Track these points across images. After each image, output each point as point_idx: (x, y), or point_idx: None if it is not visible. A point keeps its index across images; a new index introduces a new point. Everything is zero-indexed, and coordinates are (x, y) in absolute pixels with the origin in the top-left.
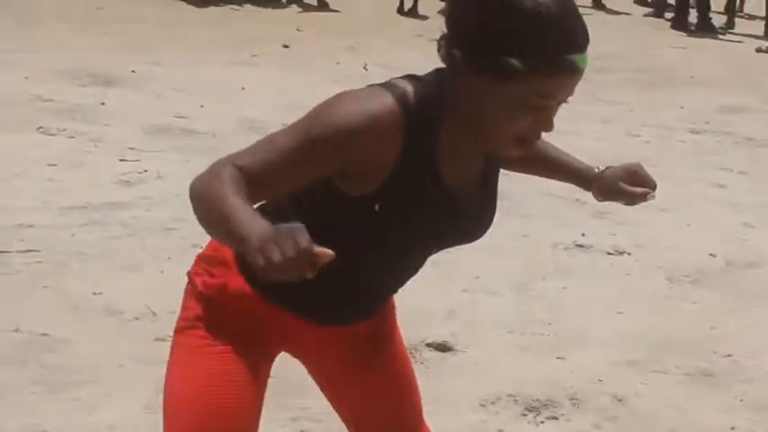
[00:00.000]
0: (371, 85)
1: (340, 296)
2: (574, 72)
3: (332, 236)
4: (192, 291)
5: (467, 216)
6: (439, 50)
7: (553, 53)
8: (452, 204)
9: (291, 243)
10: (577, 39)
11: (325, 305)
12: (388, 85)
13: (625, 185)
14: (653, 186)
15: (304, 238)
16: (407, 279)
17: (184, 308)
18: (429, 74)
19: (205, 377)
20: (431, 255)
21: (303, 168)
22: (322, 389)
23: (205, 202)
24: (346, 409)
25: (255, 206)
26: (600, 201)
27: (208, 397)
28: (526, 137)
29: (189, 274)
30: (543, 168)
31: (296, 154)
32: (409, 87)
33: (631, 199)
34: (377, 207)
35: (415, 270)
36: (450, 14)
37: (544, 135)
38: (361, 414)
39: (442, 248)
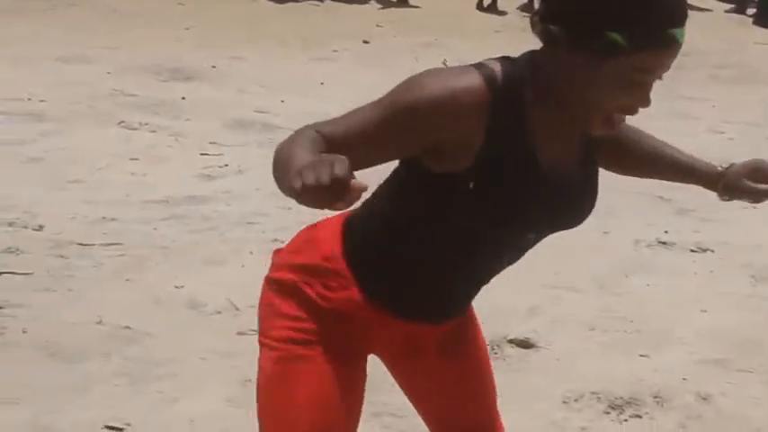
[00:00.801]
0: (461, 66)
1: (438, 289)
2: (675, 47)
3: (424, 220)
4: (295, 301)
5: (565, 201)
6: (533, 27)
7: (655, 28)
8: (549, 188)
9: (328, 170)
10: (678, 12)
11: (426, 300)
12: (477, 65)
13: (750, 183)
14: None
15: (341, 167)
16: (503, 268)
17: (278, 317)
18: (522, 54)
19: (321, 388)
20: (527, 244)
21: (386, 140)
22: (403, 386)
23: (278, 160)
24: (426, 405)
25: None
26: (725, 200)
27: (329, 408)
28: (619, 114)
29: (284, 281)
30: (663, 169)
31: (378, 125)
32: (498, 67)
33: (757, 196)
34: (471, 185)
35: (511, 260)
36: None
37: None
38: (440, 408)
39: (540, 234)
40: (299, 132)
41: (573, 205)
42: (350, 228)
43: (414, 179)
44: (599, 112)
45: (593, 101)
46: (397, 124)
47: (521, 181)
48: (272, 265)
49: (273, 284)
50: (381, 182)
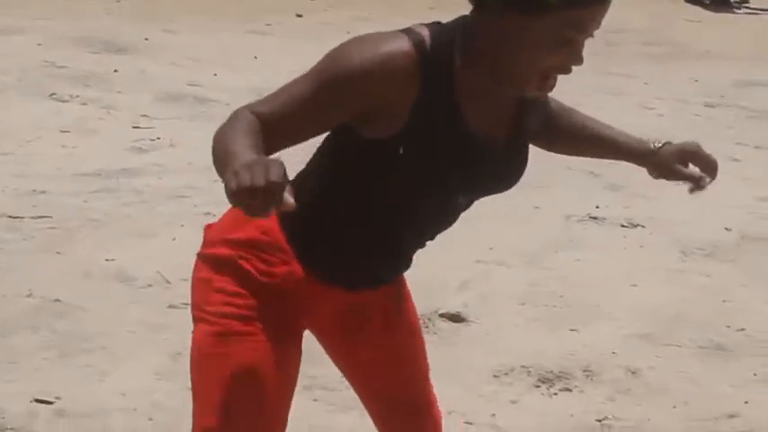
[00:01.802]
0: (389, 31)
1: (377, 251)
2: (607, 2)
3: (359, 186)
4: (232, 276)
5: (495, 163)
6: None
7: None
8: (478, 152)
9: (263, 172)
10: None
11: (365, 265)
12: (405, 30)
13: (679, 166)
14: (714, 167)
15: (276, 172)
16: (438, 231)
17: (216, 292)
18: (453, 20)
19: (258, 364)
20: (457, 208)
21: (320, 113)
22: (341, 363)
23: (216, 146)
24: (365, 381)
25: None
26: (655, 178)
27: (264, 383)
28: (551, 74)
29: (220, 256)
30: (593, 146)
31: (312, 98)
32: (426, 31)
33: (688, 181)
34: (401, 150)
35: (445, 223)
36: None
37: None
38: (380, 383)
39: (470, 198)
40: (235, 115)
41: (502, 171)
42: None
43: (345, 147)
44: (532, 74)
45: (525, 62)
46: (329, 95)
47: (450, 145)
48: (205, 240)
49: (208, 260)
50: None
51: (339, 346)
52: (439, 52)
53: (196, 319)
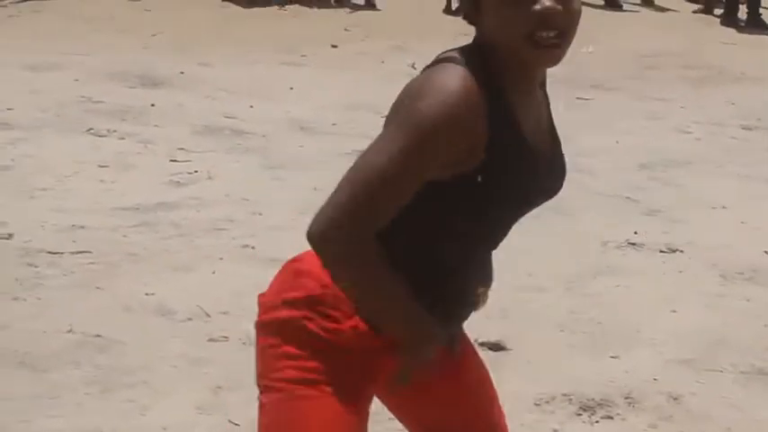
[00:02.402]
0: (429, 71)
1: (453, 291)
2: None
3: (426, 225)
4: (296, 339)
5: (549, 168)
6: (466, 18)
7: None
8: (539, 157)
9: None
10: None
11: (440, 309)
12: (445, 63)
13: None
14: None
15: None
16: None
17: (280, 358)
18: (466, 45)
19: (329, 429)
20: (518, 220)
21: (416, 180)
22: (408, 419)
23: (361, 277)
24: (429, 422)
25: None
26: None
27: None
28: (535, 32)
29: (281, 320)
30: None
31: (405, 171)
32: (460, 58)
33: None
34: (479, 179)
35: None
36: None
37: None
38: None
39: (531, 207)
40: (362, 253)
41: (554, 173)
42: None
43: (418, 192)
44: (517, 39)
45: (506, 34)
46: (420, 162)
47: (518, 158)
48: (261, 308)
49: (269, 326)
50: None
51: (405, 403)
52: (481, 74)
53: (263, 388)
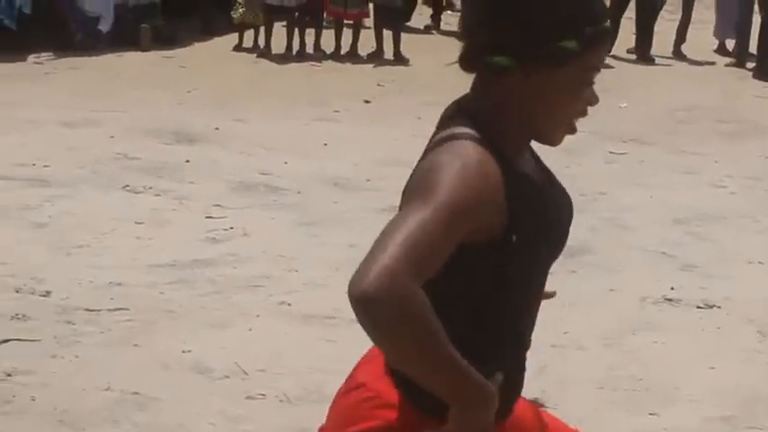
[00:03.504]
0: (443, 146)
1: (517, 362)
2: (608, 38)
3: (472, 298)
4: None
5: (558, 193)
6: (472, 67)
7: (596, 23)
8: (544, 189)
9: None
10: (602, 5)
11: (507, 385)
12: (458, 137)
13: None
14: None
15: None
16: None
17: None
18: (466, 102)
19: None
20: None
21: (451, 246)
22: None
23: (415, 329)
24: None
25: None
26: None
27: None
28: (576, 118)
29: None
30: None
31: (444, 238)
32: (468, 121)
33: None
34: (514, 238)
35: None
36: (487, 21)
37: None
38: None
39: (566, 239)
40: (413, 307)
41: (561, 193)
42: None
43: (455, 268)
44: (564, 122)
45: (558, 112)
46: (455, 230)
47: (542, 209)
48: None
49: None
50: None
51: None
52: (489, 138)
53: None
